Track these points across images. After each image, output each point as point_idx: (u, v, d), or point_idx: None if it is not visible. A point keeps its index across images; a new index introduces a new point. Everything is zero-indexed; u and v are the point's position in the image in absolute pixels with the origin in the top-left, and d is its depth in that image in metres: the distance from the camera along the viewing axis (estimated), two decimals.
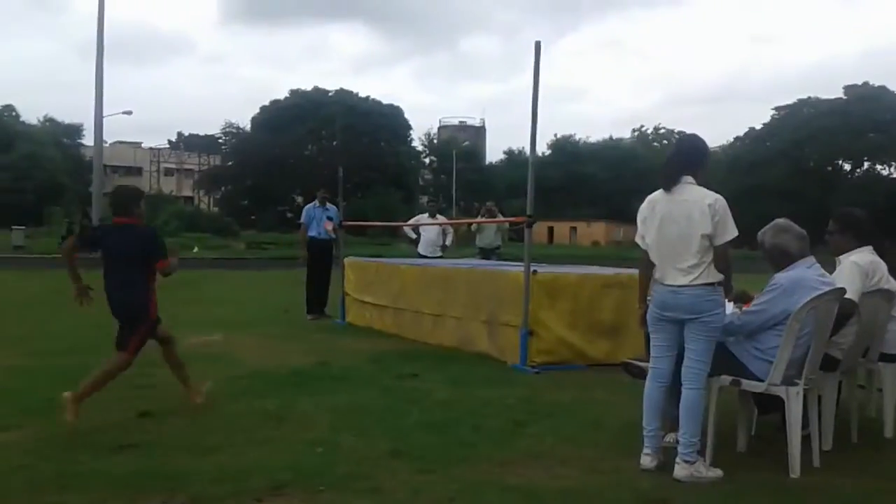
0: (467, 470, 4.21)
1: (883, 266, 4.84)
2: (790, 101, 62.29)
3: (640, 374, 4.62)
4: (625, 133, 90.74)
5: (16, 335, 8.90)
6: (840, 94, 59.70)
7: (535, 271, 7.32)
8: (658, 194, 4.29)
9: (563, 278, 7.64)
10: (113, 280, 5.36)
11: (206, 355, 7.37)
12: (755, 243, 4.57)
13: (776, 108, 62.79)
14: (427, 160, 76.37)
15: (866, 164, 60.85)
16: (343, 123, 58.80)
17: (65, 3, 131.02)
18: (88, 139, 56.32)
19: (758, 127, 63.79)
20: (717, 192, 4.18)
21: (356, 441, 4.71)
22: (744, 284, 4.92)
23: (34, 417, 5.19)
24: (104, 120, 33.28)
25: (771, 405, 4.51)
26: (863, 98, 57.12)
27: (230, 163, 65.30)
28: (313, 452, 4.47)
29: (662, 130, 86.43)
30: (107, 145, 50.57)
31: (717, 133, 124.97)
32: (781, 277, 4.37)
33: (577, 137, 78.62)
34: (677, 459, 4.11)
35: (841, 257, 4.92)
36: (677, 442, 4.17)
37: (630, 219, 4.94)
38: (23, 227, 32.89)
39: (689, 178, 4.20)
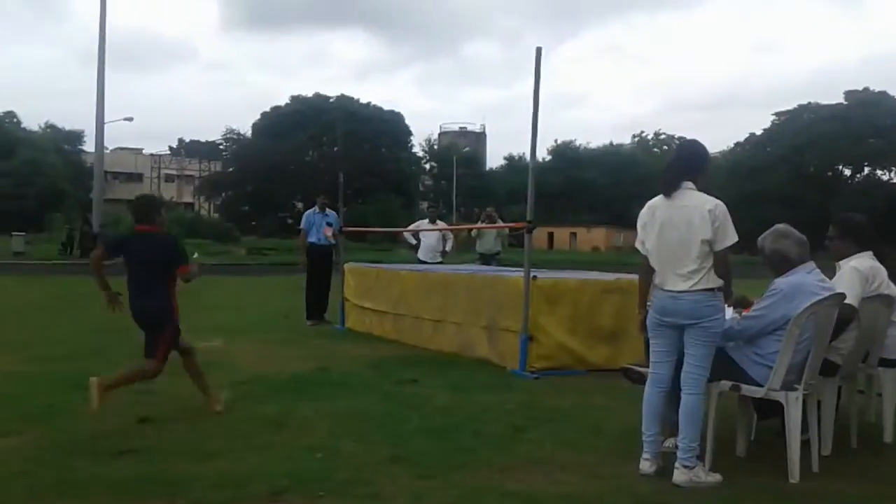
0: (467, 475, 4.21)
1: (883, 271, 4.85)
2: (790, 106, 62.58)
3: (640, 379, 4.62)
4: (625, 139, 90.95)
5: (16, 341, 8.90)
6: (840, 99, 59.89)
7: (534, 277, 7.32)
8: (658, 200, 4.30)
9: (563, 284, 7.64)
10: (135, 287, 5.47)
11: (206, 361, 7.32)
12: (755, 249, 4.57)
13: (776, 114, 63.03)
14: (427, 166, 76.47)
15: (866, 170, 60.94)
16: (344, 129, 58.87)
17: (67, 11, 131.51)
18: (89, 145, 56.44)
19: (758, 132, 64.01)
20: (717, 197, 4.19)
21: (356, 447, 4.71)
22: (744, 290, 4.94)
23: (34, 423, 5.18)
24: (105, 126, 33.44)
25: (770, 410, 4.51)
26: (863, 103, 57.22)
27: (231, 169, 65.39)
28: (313, 458, 4.47)
29: (663, 136, 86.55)
30: (108, 151, 50.78)
31: (718, 139, 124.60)
32: (781, 283, 4.38)
33: (577, 143, 78.91)
34: (677, 464, 4.11)
35: (841, 262, 4.93)
36: (677, 447, 4.17)
37: (630, 224, 4.96)
38: (23, 234, 32.89)
39: (690, 184, 4.21)
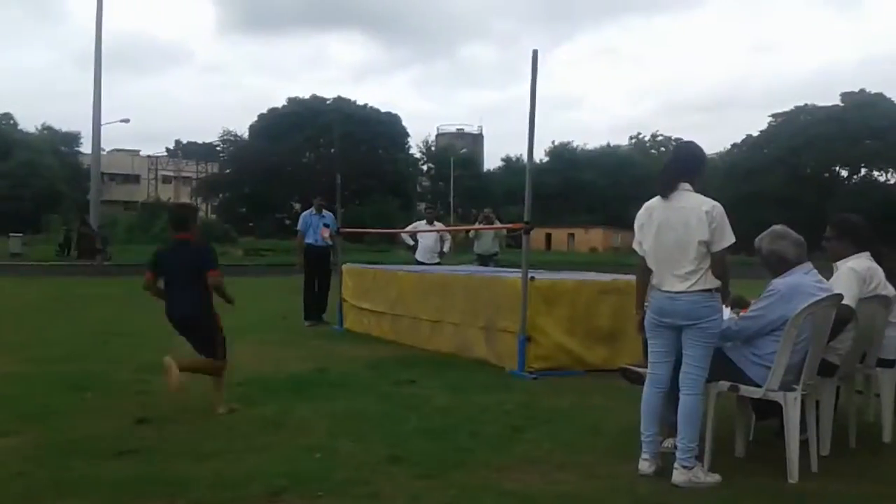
0: (465, 475, 4.21)
1: (880, 272, 4.85)
2: (787, 108, 62.71)
3: (638, 379, 4.62)
4: (622, 140, 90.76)
5: (13, 342, 8.89)
6: (837, 101, 60.03)
7: (532, 277, 7.33)
8: (655, 201, 4.30)
9: (561, 284, 7.65)
10: (173, 293, 5.66)
11: None
12: (752, 249, 4.58)
13: (773, 116, 63.09)
14: (425, 167, 76.50)
15: (863, 171, 61.06)
16: (341, 131, 58.83)
17: (63, 13, 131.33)
18: (86, 147, 56.23)
19: (755, 134, 64.07)
20: (714, 198, 4.19)
21: (354, 447, 4.71)
22: (741, 290, 4.94)
23: (32, 424, 5.17)
24: (102, 128, 33.46)
25: (769, 410, 4.51)
26: (859, 105, 57.35)
27: (228, 170, 65.36)
28: (311, 458, 4.47)
29: (660, 137, 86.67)
30: (105, 153, 50.72)
31: (715, 140, 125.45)
32: (779, 283, 4.38)
33: (574, 144, 78.98)
34: (675, 465, 4.11)
35: (838, 263, 4.93)
36: (675, 447, 4.17)
37: (628, 225, 4.97)
38: (20, 235, 32.84)
39: (687, 185, 4.22)
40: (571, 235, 67.90)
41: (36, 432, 4.97)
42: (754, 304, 4.48)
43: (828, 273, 4.83)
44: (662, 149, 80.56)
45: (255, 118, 67.11)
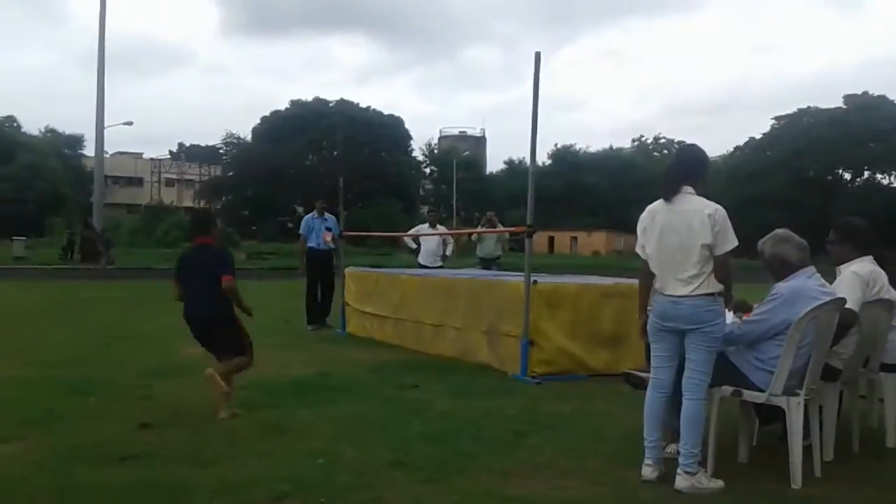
0: (468, 480, 4.20)
1: (883, 276, 4.84)
2: (790, 110, 62.65)
3: (641, 384, 4.62)
4: (625, 143, 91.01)
5: (16, 346, 8.90)
6: (840, 103, 59.99)
7: (535, 281, 7.32)
8: (658, 204, 4.30)
9: (564, 288, 7.64)
10: (192, 296, 5.71)
11: (205, 366, 7.34)
12: (755, 253, 4.57)
13: (776, 118, 63.08)
14: (427, 170, 76.52)
15: (866, 174, 61.00)
16: (344, 134, 58.88)
17: (66, 15, 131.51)
18: (89, 150, 56.43)
19: (757, 137, 64.04)
20: (716, 201, 4.19)
21: (357, 452, 4.70)
22: (744, 294, 4.93)
23: (34, 429, 5.18)
24: (105, 130, 33.52)
25: (772, 415, 4.50)
26: (862, 107, 57.29)
27: (231, 173, 65.41)
28: (314, 463, 4.47)
29: (662, 140, 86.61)
30: (108, 156, 50.74)
31: (717, 143, 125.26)
32: (782, 287, 4.37)
33: (577, 147, 78.87)
34: (678, 470, 4.10)
35: (841, 267, 4.92)
36: (678, 453, 4.16)
37: (630, 228, 4.97)
38: (23, 238, 32.88)
39: (689, 189, 4.21)
40: (574, 239, 67.86)
41: (39, 437, 4.97)
42: (757, 308, 4.47)
43: (831, 277, 4.82)
44: (665, 151, 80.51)
45: (258, 121, 67.24)
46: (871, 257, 4.92)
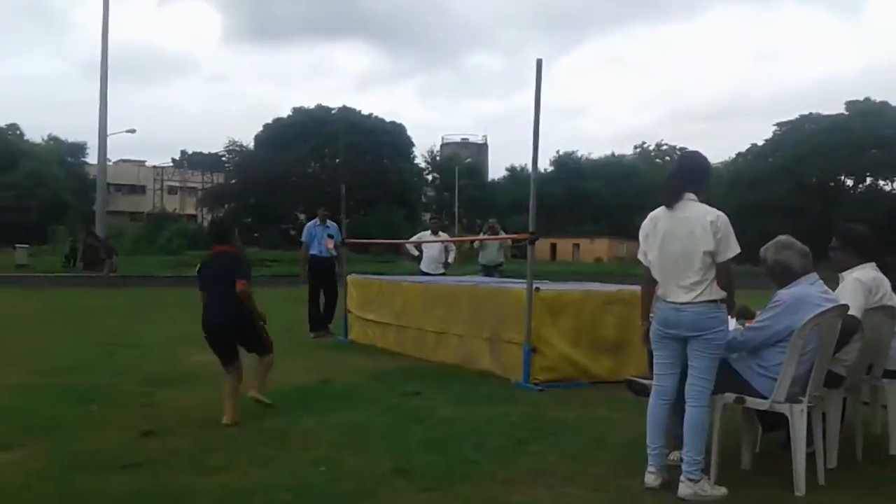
0: (470, 488, 4.19)
1: (886, 282, 4.84)
2: (792, 117, 62.60)
3: (644, 391, 4.61)
4: (627, 149, 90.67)
5: (19, 353, 8.90)
6: (841, 109, 59.94)
7: (537, 288, 7.31)
8: (660, 211, 4.30)
9: (566, 295, 7.63)
10: (211, 302, 5.82)
11: (207, 374, 7.36)
12: (758, 260, 4.57)
13: (778, 124, 63.07)
14: (430, 177, 76.58)
15: (868, 180, 60.96)
16: (346, 141, 58.96)
17: (69, 23, 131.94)
18: (92, 157, 56.36)
19: (759, 143, 64.06)
20: (718, 208, 4.18)
21: (359, 459, 4.70)
22: (746, 301, 4.93)
23: (37, 436, 5.18)
24: (108, 138, 33.52)
25: (775, 422, 4.50)
26: (864, 113, 57.29)
27: (233, 181, 65.51)
28: (316, 471, 4.46)
29: (665, 147, 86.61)
30: (110, 164, 50.89)
31: (719, 149, 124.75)
32: (784, 294, 4.37)
33: (579, 154, 78.94)
34: (681, 477, 4.09)
35: (844, 274, 4.92)
36: (681, 460, 4.15)
37: (633, 235, 4.96)
38: (26, 246, 32.95)
39: (692, 195, 4.21)
40: (576, 245, 67.85)
41: (41, 445, 4.97)
42: (760, 314, 4.46)
43: (834, 283, 4.82)
44: (667, 158, 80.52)
45: (261, 128, 67.37)
46: (873, 264, 4.91)
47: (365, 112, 67.26)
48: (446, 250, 12.93)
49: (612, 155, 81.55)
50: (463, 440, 5.18)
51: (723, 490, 4.09)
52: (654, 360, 4.36)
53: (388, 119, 67.44)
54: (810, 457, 4.27)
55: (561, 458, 4.79)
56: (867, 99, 59.60)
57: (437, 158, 77.36)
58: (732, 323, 4.49)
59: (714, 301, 4.10)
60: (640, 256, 4.40)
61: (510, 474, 4.44)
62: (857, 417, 5.03)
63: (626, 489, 4.21)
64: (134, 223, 59.19)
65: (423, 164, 74.82)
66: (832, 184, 60.47)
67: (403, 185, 64.91)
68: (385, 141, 64.29)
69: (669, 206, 4.23)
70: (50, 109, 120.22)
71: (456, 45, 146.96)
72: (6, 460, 4.64)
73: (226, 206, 65.95)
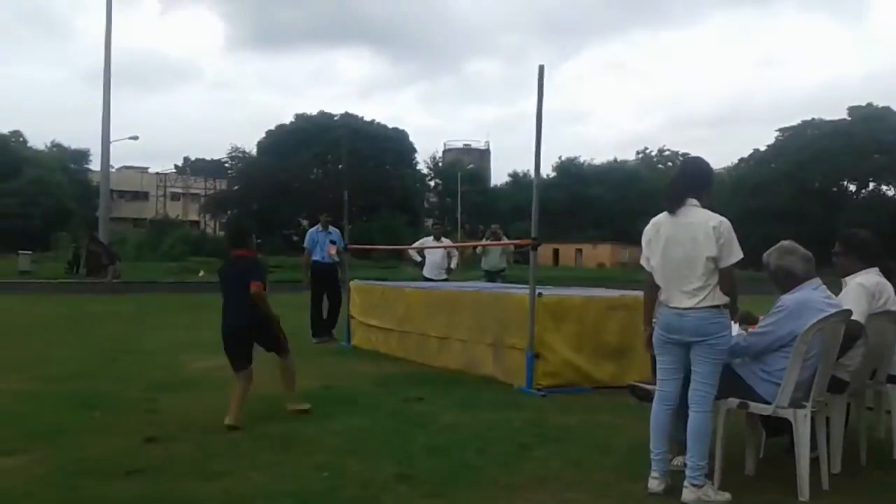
0: (474, 494, 4.19)
1: (889, 288, 4.83)
2: (794, 122, 62.52)
3: (647, 396, 4.61)
4: (629, 155, 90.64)
5: (22, 360, 8.91)
6: (844, 115, 59.90)
7: (540, 293, 7.31)
8: (662, 217, 4.29)
9: (569, 301, 7.63)
10: (229, 305, 5.95)
11: (211, 380, 7.36)
12: (760, 265, 4.57)
13: (780, 130, 62.96)
14: (432, 183, 76.57)
15: (871, 185, 60.90)
16: (348, 147, 58.94)
17: (72, 31, 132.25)
18: (95, 164, 56.65)
19: (762, 148, 63.95)
20: (721, 213, 4.18)
21: (362, 465, 4.70)
22: (749, 306, 4.92)
23: (40, 442, 5.18)
24: (111, 145, 33.65)
25: (779, 428, 4.49)
26: (867, 119, 57.26)
27: (236, 187, 65.55)
28: (319, 477, 4.46)
29: (667, 152, 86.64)
30: (114, 170, 50.96)
31: (722, 155, 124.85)
32: (787, 299, 4.37)
33: (581, 160, 78.90)
34: (685, 483, 4.08)
35: (847, 279, 4.92)
36: (685, 465, 4.14)
37: (635, 241, 4.97)
38: (29, 252, 32.97)
39: (694, 201, 4.21)
40: (579, 251, 67.80)
41: (44, 451, 4.97)
42: (763, 320, 4.46)
43: (837, 289, 4.82)
44: (669, 164, 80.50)
45: (263, 135, 67.38)
46: (877, 269, 4.91)
47: (367, 118, 67.36)
48: (449, 256, 12.93)
49: (615, 160, 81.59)
50: (466, 446, 5.18)
51: (726, 495, 4.08)
52: (658, 366, 4.36)
53: (390, 125, 67.51)
54: (814, 462, 4.26)
55: (564, 463, 4.79)
56: (870, 104, 59.54)
57: (440, 164, 77.37)
58: (735, 328, 4.49)
59: (717, 306, 4.09)
60: (643, 262, 4.40)
61: (513, 480, 4.43)
62: (861, 422, 5.02)
63: (629, 494, 4.20)
64: (137, 229, 59.28)
65: (425, 170, 74.86)
66: (835, 189, 60.41)
67: (406, 191, 64.93)
68: (387, 147, 64.34)
69: (672, 211, 4.23)
70: (53, 116, 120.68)
71: (458, 51, 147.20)
72: (9, 466, 4.64)
73: (228, 212, 65.97)
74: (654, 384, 4.41)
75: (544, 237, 8.47)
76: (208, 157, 79.66)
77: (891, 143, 55.03)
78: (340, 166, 61.13)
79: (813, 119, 61.23)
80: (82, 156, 67.71)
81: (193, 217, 69.64)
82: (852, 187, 61.46)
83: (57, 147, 68.68)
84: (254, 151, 68.09)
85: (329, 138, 61.66)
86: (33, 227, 50.72)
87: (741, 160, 67.41)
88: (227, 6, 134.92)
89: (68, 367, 8.45)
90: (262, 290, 5.75)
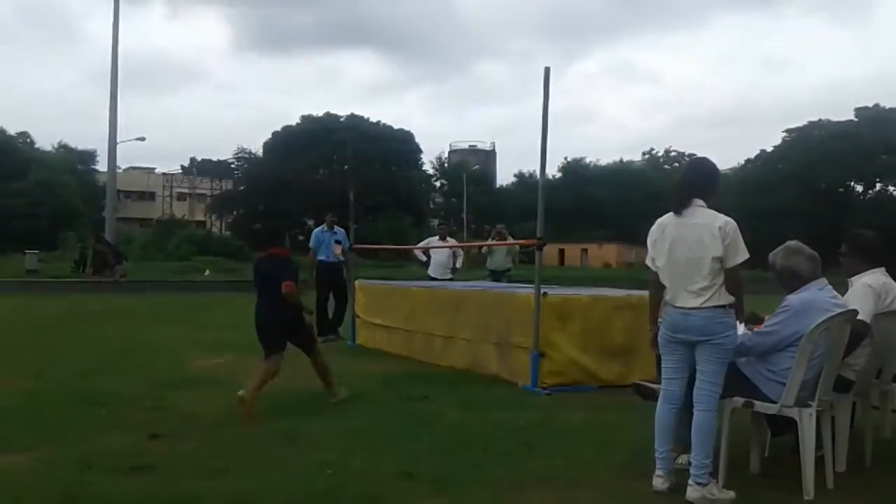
0: (478, 492, 4.19)
1: (895, 287, 4.82)
2: (801, 123, 62.34)
3: (652, 395, 4.60)
4: (635, 156, 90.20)
5: (28, 357, 8.95)
6: (851, 116, 59.74)
7: (545, 293, 7.31)
8: (668, 217, 4.29)
9: (574, 300, 7.63)
10: (263, 302, 6.25)
11: (216, 378, 7.39)
12: (767, 265, 4.56)
13: (787, 131, 62.78)
14: (438, 184, 76.58)
15: (878, 186, 60.70)
16: (354, 148, 59.07)
17: (80, 33, 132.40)
18: (102, 165, 56.60)
19: (769, 149, 63.78)
20: (728, 214, 4.18)
21: (366, 463, 4.70)
22: (755, 306, 4.91)
23: (45, 439, 5.20)
24: (118, 146, 33.76)
25: (784, 427, 4.48)
26: (874, 120, 57.10)
27: (242, 187, 65.62)
28: (323, 474, 4.46)
29: (673, 153, 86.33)
30: (120, 171, 51.16)
31: (728, 156, 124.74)
32: (793, 299, 4.36)
33: (587, 160, 78.77)
34: (690, 481, 4.08)
35: (853, 279, 4.91)
36: (690, 464, 4.14)
37: (641, 241, 4.98)
38: (36, 252, 33.05)
39: (700, 202, 4.20)
40: (585, 251, 67.71)
41: (49, 447, 4.99)
42: (768, 319, 4.45)
43: (843, 289, 4.81)
44: (676, 164, 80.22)
45: (270, 136, 67.38)
46: (883, 269, 4.90)
47: (373, 120, 67.36)
48: (454, 256, 12.95)
49: (621, 161, 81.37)
50: (471, 444, 5.18)
51: (731, 494, 4.08)
52: (663, 365, 4.36)
53: (396, 126, 67.49)
54: (819, 461, 4.25)
55: (569, 462, 4.78)
56: (876, 105, 59.36)
57: (446, 165, 77.34)
58: (741, 328, 4.48)
59: (722, 306, 4.09)
60: (648, 262, 4.40)
61: (518, 478, 4.43)
62: (867, 422, 5.00)
63: (634, 493, 4.20)
64: (143, 229, 59.37)
65: (431, 171, 74.84)
66: (842, 190, 60.23)
67: (411, 191, 64.93)
68: (393, 148, 64.36)
69: (678, 212, 4.23)
70: (60, 118, 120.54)
71: (464, 53, 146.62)
72: (14, 462, 4.66)
73: (234, 212, 66.12)
74: (659, 383, 4.41)
75: (550, 237, 8.47)
76: (215, 158, 79.74)
77: None
78: (346, 167, 61.28)
79: (820, 120, 61.12)
80: (89, 157, 67.81)
81: (199, 217, 69.74)
82: (859, 188, 61.29)
83: (64, 148, 68.79)
84: (260, 152, 68.17)
85: (335, 139, 61.77)
86: (40, 227, 50.83)
87: (748, 161, 67.29)
88: (234, 9, 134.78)
89: (74, 364, 8.48)
90: (293, 289, 5.98)
